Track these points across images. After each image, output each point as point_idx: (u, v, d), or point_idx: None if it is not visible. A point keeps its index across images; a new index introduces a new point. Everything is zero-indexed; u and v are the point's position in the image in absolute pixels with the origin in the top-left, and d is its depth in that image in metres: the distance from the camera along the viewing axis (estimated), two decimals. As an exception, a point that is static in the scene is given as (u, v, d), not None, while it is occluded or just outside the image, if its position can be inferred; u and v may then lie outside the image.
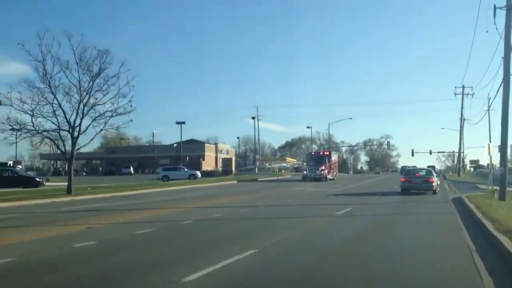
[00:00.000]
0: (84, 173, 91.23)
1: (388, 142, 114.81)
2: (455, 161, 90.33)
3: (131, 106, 27.86)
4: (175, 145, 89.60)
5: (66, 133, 28.58)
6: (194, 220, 14.78)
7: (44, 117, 27.46)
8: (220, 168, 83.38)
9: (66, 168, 42.87)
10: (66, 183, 29.05)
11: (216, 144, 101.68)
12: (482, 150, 31.63)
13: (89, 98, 27.82)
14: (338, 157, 71.23)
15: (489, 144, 27.26)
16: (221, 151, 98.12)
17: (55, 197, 25.28)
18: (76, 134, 27.96)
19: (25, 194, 26.71)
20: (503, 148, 24.18)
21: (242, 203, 21.42)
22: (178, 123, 76.79)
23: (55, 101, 27.30)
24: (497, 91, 28.24)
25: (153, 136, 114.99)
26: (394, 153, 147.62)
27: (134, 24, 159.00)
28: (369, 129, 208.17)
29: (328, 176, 49.52)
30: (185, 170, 58.47)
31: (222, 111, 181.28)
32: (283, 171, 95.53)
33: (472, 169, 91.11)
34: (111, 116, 28.08)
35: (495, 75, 54.83)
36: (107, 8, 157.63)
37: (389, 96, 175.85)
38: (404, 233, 12.37)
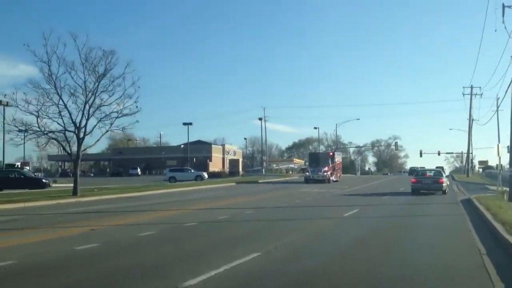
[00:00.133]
0: (92, 174, 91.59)
1: (396, 143, 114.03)
2: (464, 162, 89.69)
3: (137, 107, 27.81)
4: (182, 146, 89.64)
5: (72, 134, 28.55)
6: (198, 222, 14.62)
7: (49, 118, 27.46)
8: (227, 169, 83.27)
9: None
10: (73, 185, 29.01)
11: (223, 145, 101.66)
12: (491, 151, 31.36)
13: (94, 99, 27.81)
14: (346, 158, 70.42)
15: (498, 145, 27.00)
16: (228, 152, 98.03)
17: (61, 198, 25.21)
18: (82, 135, 27.91)
19: (30, 196, 26.72)
20: (512, 149, 23.88)
21: (245, 205, 21.21)
22: (185, 124, 76.95)
23: (61, 102, 27.32)
24: (506, 91, 27.95)
25: (160, 137, 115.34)
26: (402, 154, 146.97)
27: (140, 25, 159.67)
28: (376, 130, 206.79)
29: (331, 178, 47.93)
30: (192, 171, 58.45)
31: (229, 112, 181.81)
32: (290, 172, 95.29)
33: (481, 170, 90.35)
34: (117, 117, 28.03)
35: (503, 74, 54.33)
36: (113, 9, 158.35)
37: (397, 96, 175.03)
38: (411, 236, 12.12)
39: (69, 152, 29.34)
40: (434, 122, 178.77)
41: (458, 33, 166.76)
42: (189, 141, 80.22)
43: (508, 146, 24.21)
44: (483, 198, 21.46)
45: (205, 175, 58.16)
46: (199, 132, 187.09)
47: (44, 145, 33.36)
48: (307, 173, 49.02)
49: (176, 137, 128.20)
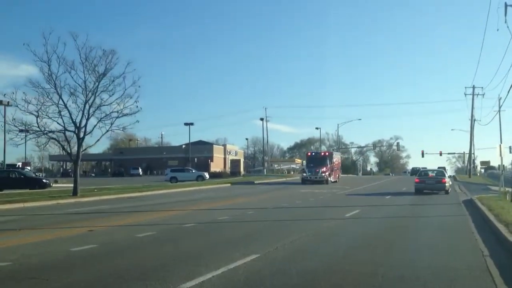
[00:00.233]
0: (93, 174, 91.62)
1: (398, 143, 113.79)
2: (466, 162, 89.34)
3: (137, 106, 27.68)
4: (183, 146, 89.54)
5: (72, 134, 28.46)
6: (197, 223, 14.51)
7: (49, 117, 27.32)
8: (228, 169, 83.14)
9: (74, 170, 42.62)
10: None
11: (224, 146, 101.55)
12: (493, 151, 31.21)
13: (94, 98, 27.66)
14: (347, 158, 69.77)
15: (500, 145, 26.84)
16: (229, 153, 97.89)
17: (60, 198, 25.11)
18: (82, 135, 27.79)
19: (30, 196, 26.64)
20: (515, 149, 23.74)
21: (246, 205, 21.09)
22: (186, 124, 76.84)
23: (61, 102, 27.18)
24: (508, 91, 27.79)
25: (161, 138, 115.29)
26: (403, 154, 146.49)
27: (140, 25, 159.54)
28: (378, 130, 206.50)
29: (329, 179, 46.61)
30: (193, 171, 58.37)
31: (230, 112, 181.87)
32: (292, 172, 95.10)
33: (482, 170, 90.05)
34: (117, 117, 27.86)
35: (506, 74, 54.18)
36: (113, 9, 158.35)
37: (398, 97, 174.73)
38: (413, 237, 12.01)
39: (69, 152, 29.25)
40: (436, 122, 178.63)
41: (459, 33, 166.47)
42: (191, 141, 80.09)
43: (510, 147, 24.06)
44: (485, 199, 21.35)
45: (206, 175, 58.07)
46: (200, 133, 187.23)
47: (44, 145, 33.27)
48: (304, 174, 47.64)
49: (177, 137, 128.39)
